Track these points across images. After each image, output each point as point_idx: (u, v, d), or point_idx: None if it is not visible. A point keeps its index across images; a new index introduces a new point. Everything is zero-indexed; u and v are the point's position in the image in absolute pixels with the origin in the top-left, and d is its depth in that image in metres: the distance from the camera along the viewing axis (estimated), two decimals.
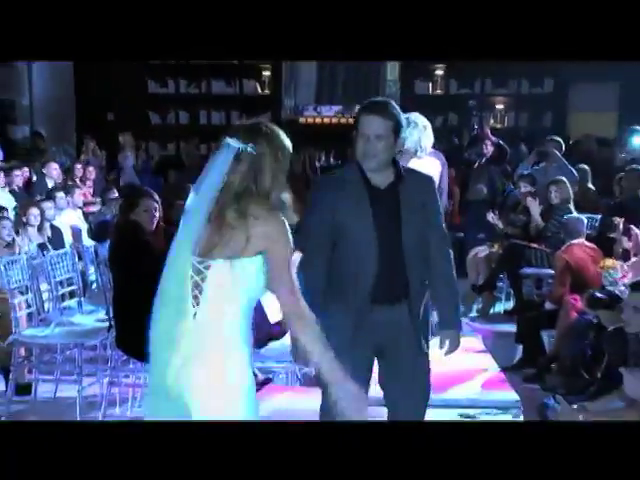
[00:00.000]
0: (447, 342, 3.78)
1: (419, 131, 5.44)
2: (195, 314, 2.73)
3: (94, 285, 7.33)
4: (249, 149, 2.69)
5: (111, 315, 5.56)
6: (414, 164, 4.96)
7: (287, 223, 2.72)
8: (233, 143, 2.69)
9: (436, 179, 4.94)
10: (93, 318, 6.17)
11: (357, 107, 3.66)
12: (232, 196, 2.69)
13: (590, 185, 9.41)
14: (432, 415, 5.23)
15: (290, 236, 2.70)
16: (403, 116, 3.55)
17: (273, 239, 2.67)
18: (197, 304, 2.74)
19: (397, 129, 3.47)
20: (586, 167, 9.51)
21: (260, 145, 2.72)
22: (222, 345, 2.69)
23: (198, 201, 2.74)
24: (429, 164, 5.60)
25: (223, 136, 2.74)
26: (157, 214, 5.36)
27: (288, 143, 2.79)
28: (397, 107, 3.51)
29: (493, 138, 10.26)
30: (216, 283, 2.70)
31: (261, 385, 5.45)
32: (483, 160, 10.08)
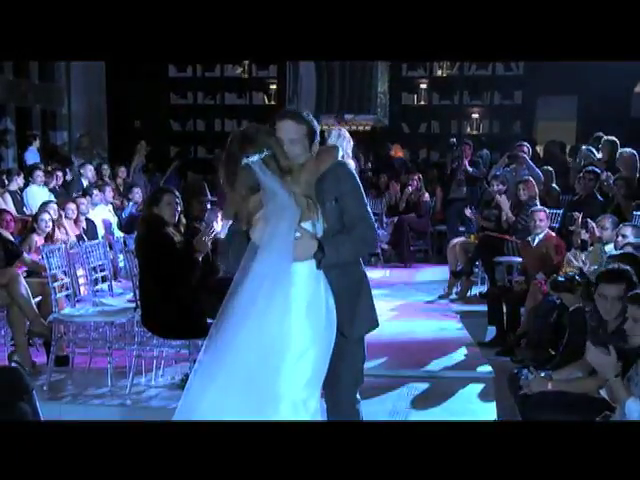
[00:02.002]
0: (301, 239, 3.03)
1: (347, 142, 5.88)
2: None
3: (123, 271, 7.30)
4: (266, 152, 2.93)
5: (137, 297, 5.54)
6: None
7: None
8: (255, 159, 2.91)
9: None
10: (122, 300, 6.15)
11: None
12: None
13: (554, 185, 9.42)
14: (417, 387, 5.18)
15: None
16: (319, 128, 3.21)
17: None
18: None
19: (311, 134, 3.14)
20: (550, 169, 9.55)
21: (267, 144, 2.95)
22: None
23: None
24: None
25: (239, 158, 2.92)
26: (179, 208, 5.33)
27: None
28: (310, 114, 3.20)
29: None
30: None
31: None
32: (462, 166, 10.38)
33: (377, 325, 3.27)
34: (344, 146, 5.84)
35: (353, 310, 3.11)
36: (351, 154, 6.13)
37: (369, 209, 3.24)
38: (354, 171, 3.31)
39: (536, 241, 7.02)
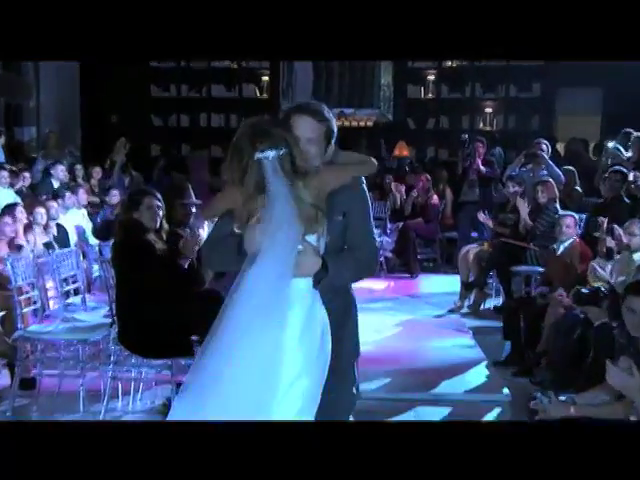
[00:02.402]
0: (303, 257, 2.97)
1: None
2: None
3: (97, 283, 7.29)
4: (284, 150, 2.88)
5: (113, 312, 5.52)
6: None
7: None
8: (271, 155, 2.86)
9: None
10: (96, 315, 6.13)
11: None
12: None
13: (577, 187, 9.42)
14: (425, 411, 5.20)
15: None
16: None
17: None
18: None
19: (329, 134, 3.10)
20: (572, 169, 9.54)
21: (284, 140, 2.90)
22: None
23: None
24: None
25: (251, 152, 2.85)
26: (160, 212, 5.32)
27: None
28: (330, 112, 3.14)
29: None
30: None
31: None
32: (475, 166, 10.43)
33: (359, 354, 3.23)
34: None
35: (339, 338, 3.02)
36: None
37: (374, 228, 3.24)
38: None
39: (561, 249, 7.01)
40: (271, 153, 2.85)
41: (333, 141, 3.13)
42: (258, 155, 2.84)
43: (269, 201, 2.86)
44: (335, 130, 3.14)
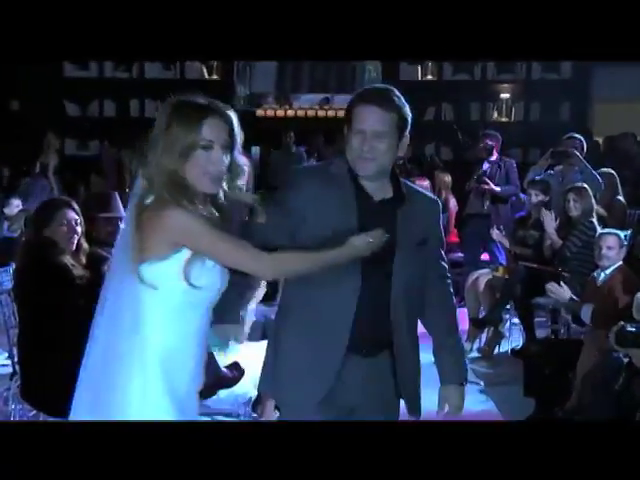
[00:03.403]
0: (448, 401, 3.66)
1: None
2: None
3: None
4: None
5: (15, 359, 5.51)
6: None
7: None
8: None
9: None
10: None
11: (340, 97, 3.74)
12: None
13: (619, 197, 9.40)
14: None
15: None
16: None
17: None
18: None
19: (402, 125, 3.35)
20: (613, 172, 9.54)
21: None
22: None
23: None
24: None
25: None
26: (79, 229, 5.33)
27: None
28: (401, 96, 3.37)
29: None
30: None
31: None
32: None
33: None
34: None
35: None
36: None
37: None
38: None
39: (601, 278, 7.00)
40: None
41: (407, 132, 3.34)
42: None
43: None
44: (409, 118, 3.35)
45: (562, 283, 6.96)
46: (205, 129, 2.98)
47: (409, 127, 3.37)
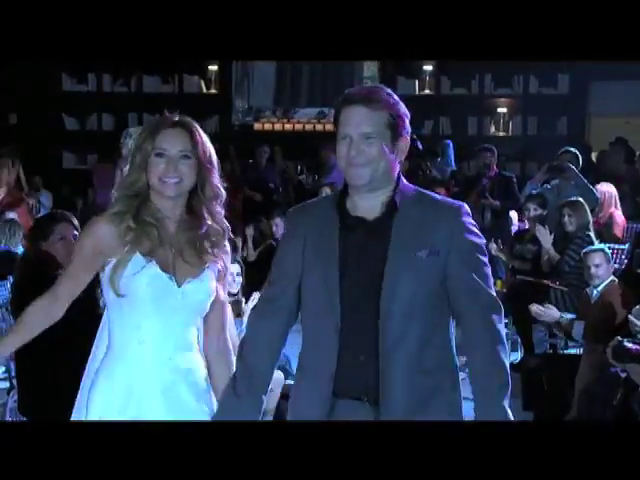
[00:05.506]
0: None
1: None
2: None
3: None
4: None
5: (12, 374, 5.50)
6: None
7: None
8: None
9: None
10: None
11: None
12: None
13: (617, 209, 9.42)
14: None
15: None
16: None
17: None
18: None
19: (395, 124, 3.00)
20: (611, 186, 9.58)
21: None
22: None
23: None
24: None
25: None
26: None
27: None
28: (392, 93, 3.04)
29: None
30: None
31: None
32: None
33: None
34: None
35: None
36: None
37: None
38: None
39: (594, 294, 6.97)
40: None
41: (404, 132, 3.03)
42: None
43: None
44: (402, 116, 3.02)
45: (546, 304, 7.12)
46: (159, 139, 3.16)
47: (406, 126, 3.04)
